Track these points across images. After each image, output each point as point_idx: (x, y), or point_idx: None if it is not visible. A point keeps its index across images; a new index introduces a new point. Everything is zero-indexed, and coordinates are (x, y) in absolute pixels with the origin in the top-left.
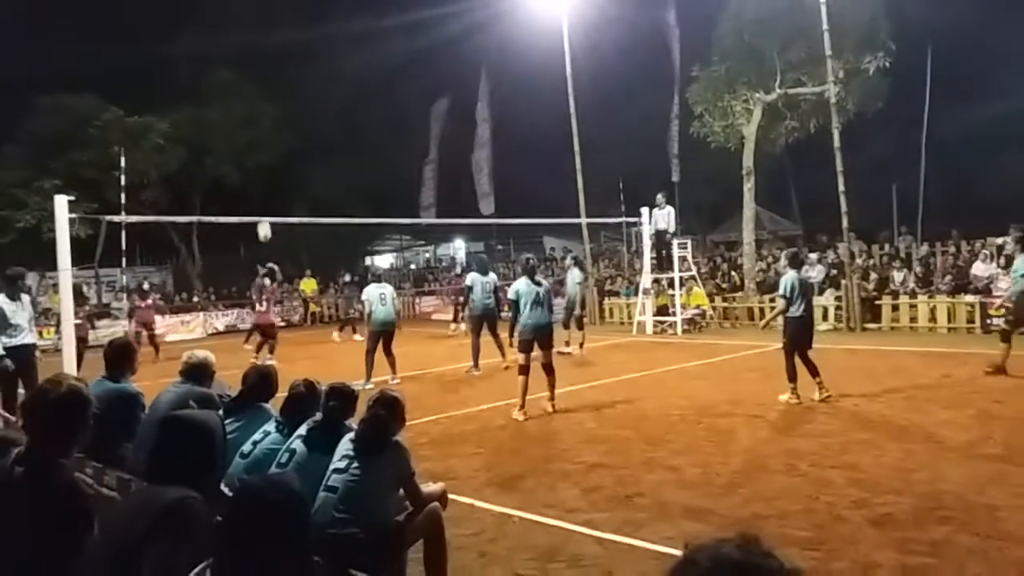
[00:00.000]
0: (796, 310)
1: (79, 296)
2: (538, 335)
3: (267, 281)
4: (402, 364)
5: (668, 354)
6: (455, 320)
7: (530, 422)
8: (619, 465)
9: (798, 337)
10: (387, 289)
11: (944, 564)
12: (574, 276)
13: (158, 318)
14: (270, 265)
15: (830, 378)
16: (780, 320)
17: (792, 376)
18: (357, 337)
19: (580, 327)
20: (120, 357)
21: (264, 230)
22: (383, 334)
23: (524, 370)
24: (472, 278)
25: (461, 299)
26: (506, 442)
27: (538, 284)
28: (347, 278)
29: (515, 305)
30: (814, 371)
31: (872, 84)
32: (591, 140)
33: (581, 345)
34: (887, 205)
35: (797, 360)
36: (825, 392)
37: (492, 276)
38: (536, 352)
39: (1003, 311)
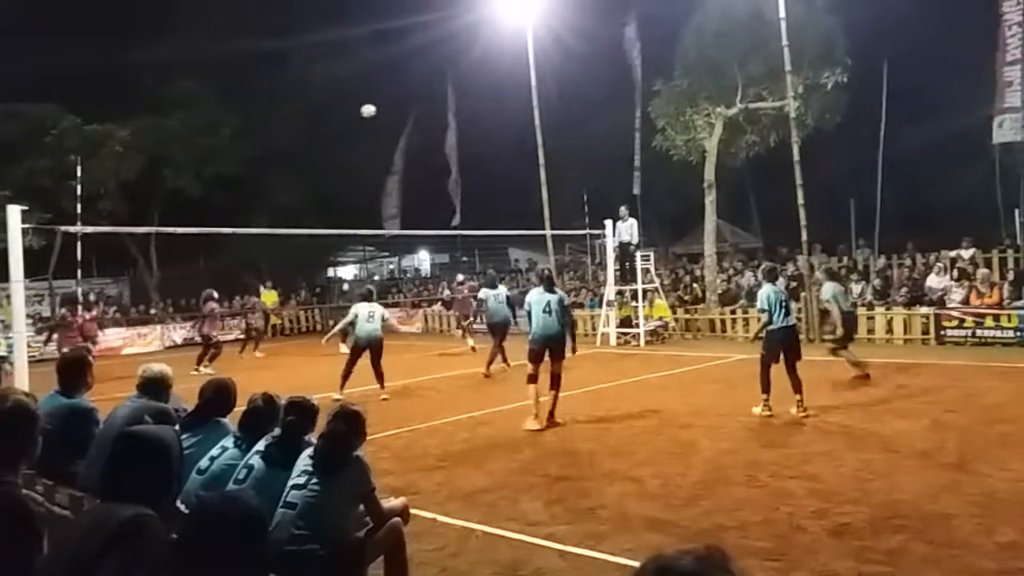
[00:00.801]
0: (778, 321)
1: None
2: (548, 345)
3: (215, 305)
4: (363, 377)
5: (631, 366)
6: (465, 334)
7: (493, 434)
8: (582, 477)
9: (776, 348)
10: (376, 308)
11: (900, 572)
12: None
13: (110, 331)
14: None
15: (789, 388)
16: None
17: (766, 388)
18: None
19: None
20: (74, 371)
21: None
22: (366, 349)
23: (532, 379)
24: (484, 293)
25: (468, 318)
26: (469, 456)
27: (551, 293)
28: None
29: (528, 315)
30: (798, 388)
31: (830, 99)
32: (556, 152)
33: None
34: (845, 218)
35: (783, 373)
36: (802, 411)
37: (502, 288)
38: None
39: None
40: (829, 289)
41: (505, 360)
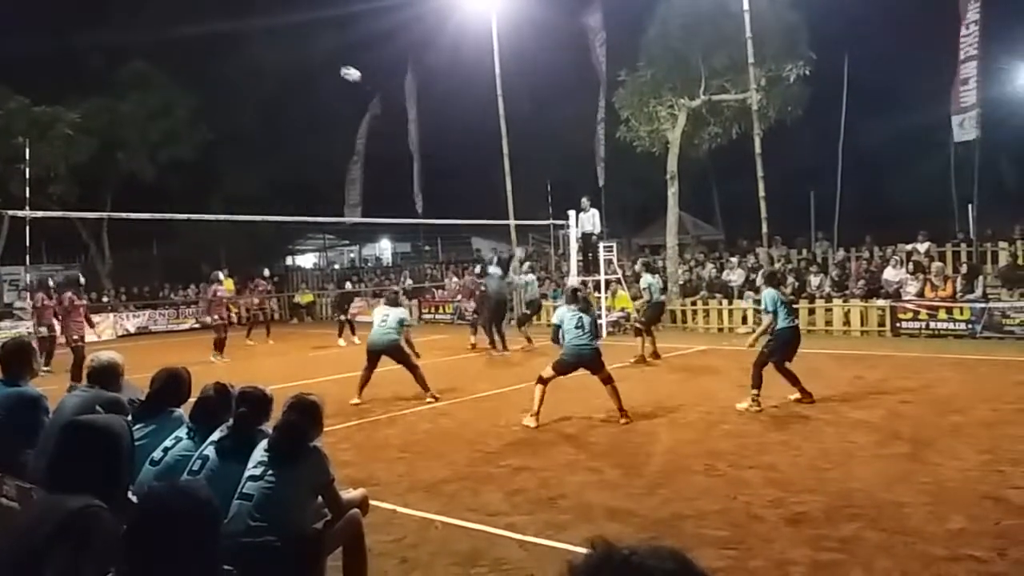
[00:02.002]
0: (785, 322)
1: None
2: (583, 361)
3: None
4: (324, 366)
5: None
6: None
7: (454, 425)
8: (542, 467)
9: (782, 347)
10: (392, 311)
11: (854, 560)
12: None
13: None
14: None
15: (748, 379)
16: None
17: (757, 384)
18: (356, 340)
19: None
20: (17, 358)
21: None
22: (376, 355)
23: (544, 380)
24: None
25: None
26: (430, 446)
27: (584, 311)
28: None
29: (555, 329)
30: (795, 380)
31: (792, 92)
32: (519, 141)
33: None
34: (805, 211)
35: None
36: (808, 397)
37: (497, 269)
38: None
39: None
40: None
41: (504, 344)
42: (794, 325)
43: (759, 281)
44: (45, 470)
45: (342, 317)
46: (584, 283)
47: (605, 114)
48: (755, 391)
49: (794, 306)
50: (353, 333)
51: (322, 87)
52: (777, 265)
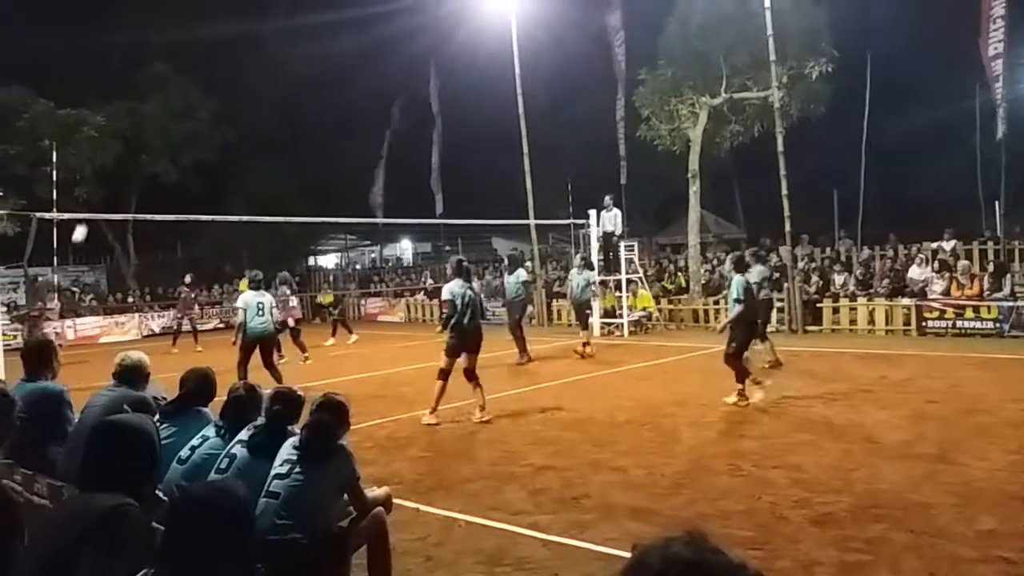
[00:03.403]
0: (747, 313)
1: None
2: (468, 340)
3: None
4: (349, 366)
5: (614, 356)
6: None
7: (476, 425)
8: (565, 467)
9: (748, 336)
10: (266, 298)
11: (881, 561)
12: (580, 279)
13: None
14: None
15: (773, 379)
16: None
17: (740, 377)
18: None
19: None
20: (39, 357)
21: (78, 234)
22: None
23: (444, 375)
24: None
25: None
26: (452, 445)
27: (470, 286)
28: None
29: (451, 306)
30: (743, 376)
31: (815, 89)
32: (540, 141)
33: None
34: (828, 209)
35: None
36: (747, 400)
37: (520, 272)
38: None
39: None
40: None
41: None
42: (752, 317)
43: (727, 268)
44: (76, 469)
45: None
46: (604, 282)
47: (625, 113)
48: (740, 385)
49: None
50: (350, 332)
51: (343, 87)
52: (801, 263)
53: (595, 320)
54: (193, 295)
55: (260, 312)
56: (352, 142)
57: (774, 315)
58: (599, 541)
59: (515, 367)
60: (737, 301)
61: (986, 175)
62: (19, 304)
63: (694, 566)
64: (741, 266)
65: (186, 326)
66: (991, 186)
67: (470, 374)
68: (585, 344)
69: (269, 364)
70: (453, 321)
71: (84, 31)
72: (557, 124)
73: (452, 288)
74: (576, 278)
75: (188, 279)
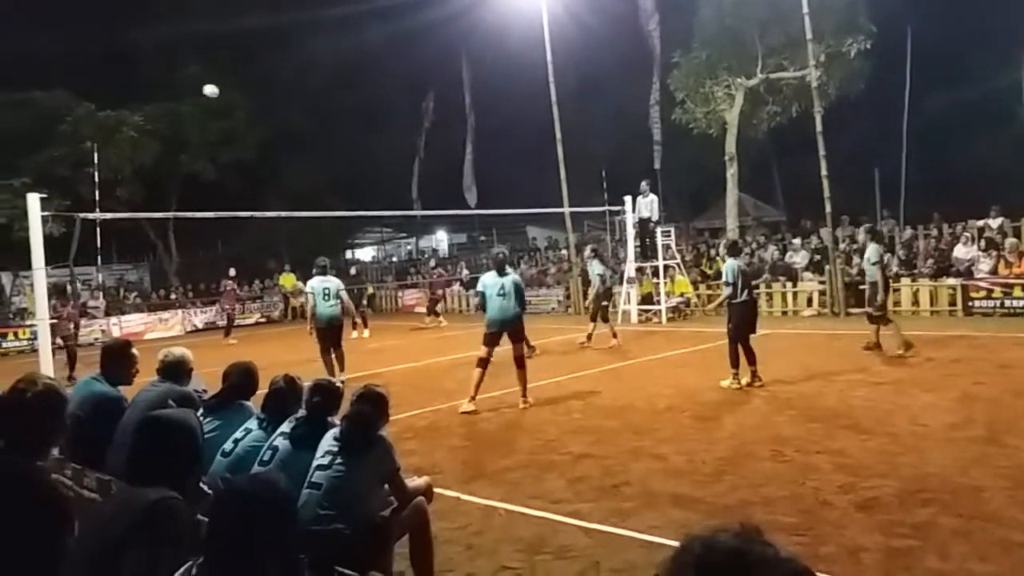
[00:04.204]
0: (742, 295)
1: (62, 294)
2: (506, 328)
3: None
4: (387, 358)
5: (653, 343)
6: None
7: (514, 414)
8: (605, 455)
9: (743, 323)
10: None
11: (929, 545)
12: (595, 268)
13: (132, 317)
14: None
15: (815, 363)
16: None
17: (735, 362)
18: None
19: (604, 319)
20: (116, 359)
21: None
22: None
23: (483, 363)
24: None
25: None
26: (492, 435)
27: (504, 276)
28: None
29: (481, 297)
30: (752, 359)
31: (853, 67)
32: (573, 128)
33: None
34: (870, 189)
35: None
36: (758, 381)
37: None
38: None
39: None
40: (874, 251)
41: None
42: (750, 299)
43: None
44: (124, 463)
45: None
46: (641, 269)
47: (660, 96)
48: (734, 370)
49: (753, 281)
50: (366, 326)
51: (373, 80)
52: (843, 244)
53: (632, 308)
54: (235, 288)
55: (326, 297)
56: (384, 135)
57: (816, 298)
58: (641, 529)
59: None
60: (727, 284)
61: None
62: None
63: (735, 555)
64: (734, 250)
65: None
66: None
67: (519, 361)
68: (589, 336)
69: (337, 348)
70: (487, 311)
71: (122, 33)
72: (591, 110)
73: (483, 280)
74: (597, 269)
75: (232, 272)
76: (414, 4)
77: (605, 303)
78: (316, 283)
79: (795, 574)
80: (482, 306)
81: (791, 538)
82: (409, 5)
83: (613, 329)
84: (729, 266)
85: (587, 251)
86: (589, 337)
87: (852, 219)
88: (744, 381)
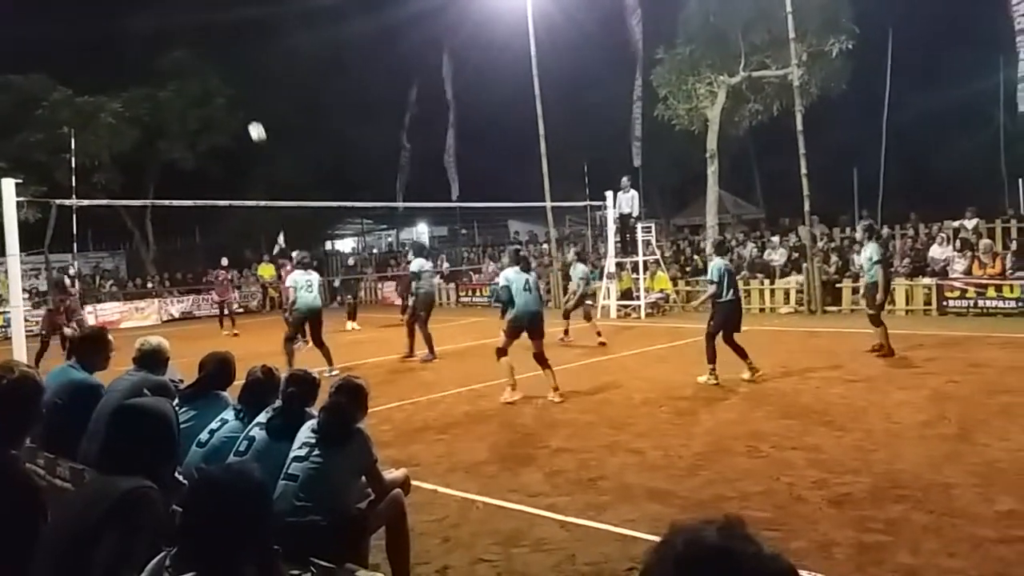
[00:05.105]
0: (727, 295)
1: (60, 286)
2: (533, 322)
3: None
4: (364, 350)
5: (632, 338)
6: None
7: (493, 407)
8: (582, 449)
9: (727, 322)
10: (314, 276)
11: (900, 541)
12: (579, 271)
13: (108, 305)
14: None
15: (791, 360)
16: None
17: (712, 358)
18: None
19: (587, 318)
20: (92, 347)
21: (256, 131)
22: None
23: (504, 352)
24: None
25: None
26: (469, 428)
27: (528, 272)
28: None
29: (507, 292)
30: (743, 354)
31: (835, 67)
32: (555, 123)
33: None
34: (848, 188)
35: (721, 344)
36: (758, 371)
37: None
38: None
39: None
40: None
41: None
42: (735, 299)
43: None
44: (97, 452)
45: (351, 300)
46: (621, 264)
47: (642, 93)
48: (711, 365)
49: (737, 279)
50: (353, 318)
51: (357, 72)
52: (820, 243)
53: (611, 303)
54: (230, 277)
55: (309, 289)
56: (367, 126)
57: (793, 295)
58: (616, 522)
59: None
60: (711, 283)
61: (1010, 152)
62: (40, 290)
63: (717, 552)
64: (721, 249)
65: (224, 308)
66: (1015, 163)
67: (539, 357)
68: (598, 333)
69: (319, 341)
70: (514, 305)
71: (102, 18)
72: (574, 105)
73: (507, 275)
74: (580, 273)
75: (224, 262)
76: None
77: (589, 302)
78: (299, 276)
79: (780, 573)
80: (506, 299)
81: (764, 532)
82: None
83: (596, 327)
84: (716, 265)
85: (571, 254)
86: (567, 332)
87: (830, 218)
88: (745, 376)
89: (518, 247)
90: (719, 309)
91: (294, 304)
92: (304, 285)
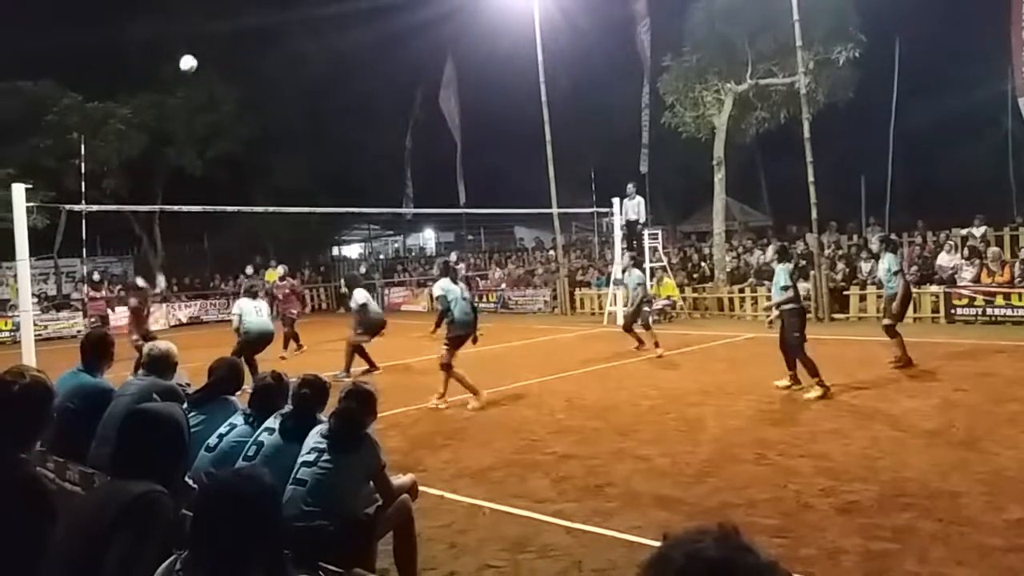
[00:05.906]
0: (797, 301)
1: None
2: (468, 332)
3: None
4: (374, 356)
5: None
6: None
7: (499, 413)
8: (589, 455)
9: (804, 326)
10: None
11: (907, 549)
12: (635, 277)
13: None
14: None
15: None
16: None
17: (813, 369)
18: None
19: (647, 326)
20: (98, 349)
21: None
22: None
23: (450, 366)
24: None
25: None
26: (476, 434)
27: (455, 284)
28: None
29: (444, 301)
30: (792, 363)
31: (842, 75)
32: (562, 129)
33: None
34: (856, 195)
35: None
36: (797, 384)
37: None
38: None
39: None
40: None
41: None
42: (800, 306)
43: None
44: (106, 457)
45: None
46: (653, 270)
47: (650, 100)
48: (816, 378)
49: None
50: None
51: (363, 78)
52: (828, 250)
53: (618, 309)
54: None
55: (259, 313)
56: (373, 133)
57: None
58: (623, 529)
59: (535, 352)
60: (784, 288)
61: (1018, 159)
62: (48, 295)
63: (719, 565)
64: (785, 255)
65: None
66: (1023, 171)
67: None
68: (656, 344)
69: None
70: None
71: (110, 25)
72: (580, 112)
73: (444, 285)
74: (637, 278)
75: (249, 270)
76: (405, 4)
77: (647, 308)
78: (245, 303)
79: None
80: (445, 309)
81: (772, 540)
82: (400, 5)
83: (655, 337)
84: (785, 269)
85: (625, 258)
86: (641, 342)
87: (838, 225)
88: (783, 384)
89: (447, 259)
90: (796, 315)
91: (240, 330)
92: (253, 311)
